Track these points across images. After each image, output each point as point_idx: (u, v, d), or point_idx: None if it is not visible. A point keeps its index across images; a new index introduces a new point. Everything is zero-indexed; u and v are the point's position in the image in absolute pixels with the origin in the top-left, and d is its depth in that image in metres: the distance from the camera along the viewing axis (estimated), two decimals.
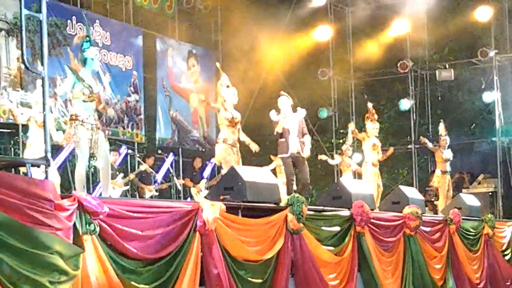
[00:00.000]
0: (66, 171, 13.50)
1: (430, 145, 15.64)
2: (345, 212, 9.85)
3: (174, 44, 19.30)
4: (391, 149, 14.42)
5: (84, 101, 8.31)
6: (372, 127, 13.94)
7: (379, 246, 10.36)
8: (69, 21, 15.99)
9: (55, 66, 15.04)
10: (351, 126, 14.92)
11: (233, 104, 10.53)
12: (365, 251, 9.95)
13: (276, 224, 8.38)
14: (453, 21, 20.49)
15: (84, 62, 8.45)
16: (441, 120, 16.39)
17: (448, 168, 15.72)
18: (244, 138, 10.76)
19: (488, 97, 19.45)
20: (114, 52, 17.14)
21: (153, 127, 18.65)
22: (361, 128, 14.80)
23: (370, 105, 14.21)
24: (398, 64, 20.06)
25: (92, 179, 15.04)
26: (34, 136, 10.69)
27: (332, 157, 15.49)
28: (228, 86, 10.59)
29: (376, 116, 14.09)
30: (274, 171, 13.14)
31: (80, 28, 16.06)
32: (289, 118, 11.21)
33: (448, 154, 15.56)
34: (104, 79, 8.86)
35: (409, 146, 20.56)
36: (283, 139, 11.23)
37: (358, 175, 15.49)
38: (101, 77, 8.83)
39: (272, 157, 13.54)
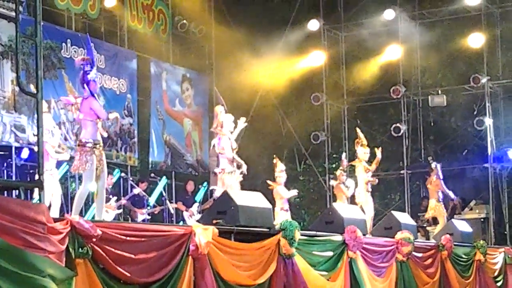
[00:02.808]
0: None
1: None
2: (338, 237, 9.85)
3: (168, 68, 19.37)
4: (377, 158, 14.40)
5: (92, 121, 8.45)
6: (363, 151, 14.01)
7: (371, 271, 10.36)
8: (63, 44, 16.03)
9: (49, 89, 15.07)
10: (343, 156, 15.00)
11: (230, 131, 10.66)
12: (358, 276, 9.94)
13: (268, 249, 8.38)
14: (445, 47, 20.64)
15: (87, 84, 8.50)
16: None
17: (442, 196, 15.80)
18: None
19: (480, 123, 19.52)
20: (108, 75, 17.18)
21: (146, 151, 18.65)
22: (353, 153, 14.83)
23: (358, 130, 14.32)
24: (391, 90, 20.16)
25: (85, 202, 15.00)
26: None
27: (325, 182, 15.48)
28: (226, 112, 10.70)
29: (365, 141, 14.17)
30: (272, 198, 13.17)
31: (74, 51, 16.11)
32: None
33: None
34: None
35: (401, 172, 20.59)
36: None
37: (351, 201, 15.50)
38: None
39: (269, 182, 13.56)
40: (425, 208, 17.45)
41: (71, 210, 9.25)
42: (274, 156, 13.91)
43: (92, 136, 8.49)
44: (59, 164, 11.94)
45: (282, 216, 12.66)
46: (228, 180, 10.62)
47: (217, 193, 10.76)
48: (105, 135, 9.06)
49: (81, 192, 8.61)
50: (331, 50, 21.16)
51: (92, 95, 8.52)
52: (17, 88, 13.61)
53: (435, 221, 16.29)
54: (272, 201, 11.57)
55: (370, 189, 14.03)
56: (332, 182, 15.19)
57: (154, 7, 18.87)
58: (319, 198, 20.93)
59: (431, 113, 21.24)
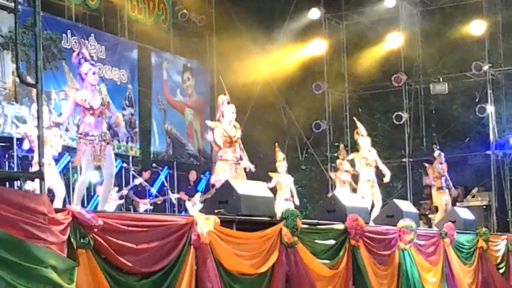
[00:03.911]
0: None
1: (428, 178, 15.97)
2: (340, 226, 9.85)
3: (169, 58, 19.35)
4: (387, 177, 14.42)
5: (89, 116, 8.50)
6: (365, 141, 14.03)
7: (374, 259, 10.35)
8: (64, 35, 16.01)
9: (50, 80, 15.07)
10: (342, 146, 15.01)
11: (230, 122, 10.62)
12: (360, 264, 9.94)
13: (270, 238, 8.37)
14: (447, 34, 20.60)
15: (80, 76, 8.60)
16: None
17: (444, 183, 15.79)
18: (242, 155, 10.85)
19: (482, 110, 19.51)
20: (109, 66, 17.16)
21: (147, 141, 18.65)
22: (355, 141, 14.82)
23: (357, 121, 14.33)
24: (393, 78, 20.15)
25: (87, 193, 15.04)
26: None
27: (327, 171, 15.47)
28: (228, 103, 10.66)
29: (365, 132, 14.15)
30: (274, 187, 13.19)
31: (75, 42, 16.09)
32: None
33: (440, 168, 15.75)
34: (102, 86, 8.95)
35: (403, 160, 20.60)
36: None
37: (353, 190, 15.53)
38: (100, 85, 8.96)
39: (270, 174, 13.56)
40: (427, 196, 17.45)
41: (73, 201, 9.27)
42: (276, 145, 13.92)
43: (90, 127, 8.52)
44: (60, 155, 11.95)
45: (283, 205, 12.67)
46: (222, 168, 10.56)
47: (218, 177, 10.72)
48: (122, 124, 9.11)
49: (80, 182, 8.66)
50: (332, 38, 21.13)
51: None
52: (18, 79, 13.60)
53: (437, 209, 16.31)
54: (273, 191, 11.58)
55: (372, 178, 14.04)
56: (331, 175, 15.19)
57: None
58: (321, 186, 20.93)
59: (433, 101, 21.24)
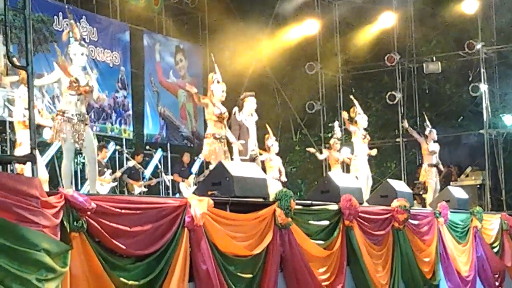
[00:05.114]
0: (54, 168, 13.48)
1: (415, 135, 15.69)
2: (334, 206, 9.84)
3: (161, 40, 19.28)
4: (375, 151, 14.46)
5: (71, 94, 8.39)
6: (364, 119, 14.05)
7: (368, 239, 10.36)
8: (55, 17, 15.93)
9: (42, 62, 14.99)
10: (336, 124, 14.96)
11: (220, 100, 10.59)
12: (354, 245, 9.94)
13: (264, 219, 8.36)
14: (439, 13, 20.57)
15: (70, 58, 8.52)
16: (423, 113, 16.52)
17: (435, 161, 15.76)
18: (230, 136, 10.82)
19: (475, 89, 19.50)
20: (101, 48, 17.09)
21: (141, 123, 18.62)
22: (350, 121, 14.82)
23: (354, 99, 14.29)
24: (386, 57, 20.11)
25: (80, 176, 15.02)
26: (24, 134, 10.47)
27: (321, 152, 15.48)
28: (218, 82, 10.62)
29: (361, 110, 14.15)
30: (264, 166, 13.17)
31: (67, 24, 16.00)
32: (251, 120, 11.31)
33: (433, 146, 15.60)
34: (91, 75, 8.86)
35: (397, 140, 20.60)
36: (242, 141, 11.31)
37: (347, 169, 15.53)
38: (88, 73, 8.86)
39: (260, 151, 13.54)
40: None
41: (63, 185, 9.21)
42: (266, 126, 13.91)
43: (69, 106, 8.44)
44: None
45: (273, 185, 12.68)
46: (213, 146, 10.54)
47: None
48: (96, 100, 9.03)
49: (64, 165, 8.59)
50: (325, 18, 21.06)
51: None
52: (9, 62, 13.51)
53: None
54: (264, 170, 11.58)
55: (366, 157, 14.11)
56: (324, 155, 15.13)
57: None
58: (315, 167, 20.93)
59: (426, 80, 21.23)
